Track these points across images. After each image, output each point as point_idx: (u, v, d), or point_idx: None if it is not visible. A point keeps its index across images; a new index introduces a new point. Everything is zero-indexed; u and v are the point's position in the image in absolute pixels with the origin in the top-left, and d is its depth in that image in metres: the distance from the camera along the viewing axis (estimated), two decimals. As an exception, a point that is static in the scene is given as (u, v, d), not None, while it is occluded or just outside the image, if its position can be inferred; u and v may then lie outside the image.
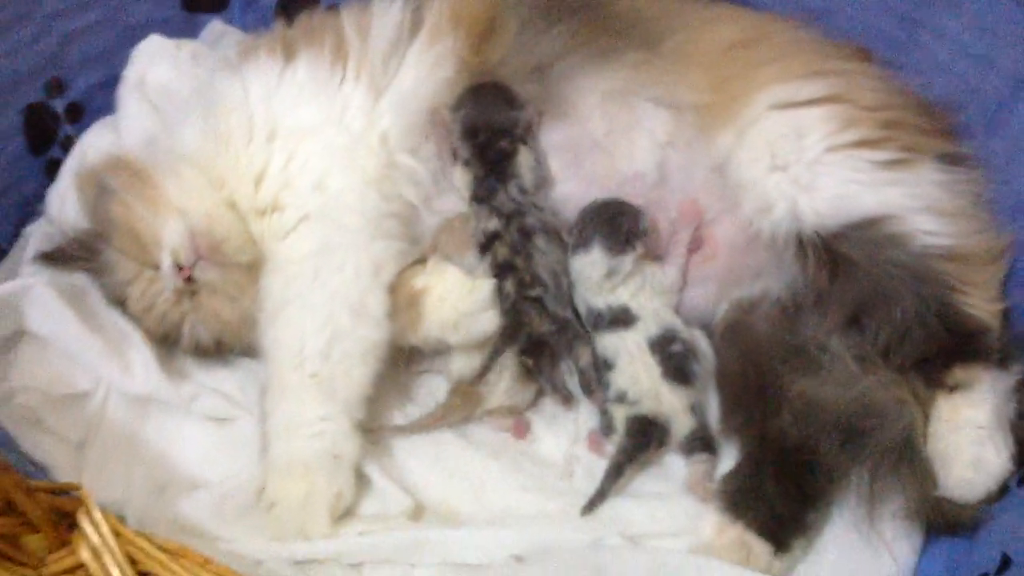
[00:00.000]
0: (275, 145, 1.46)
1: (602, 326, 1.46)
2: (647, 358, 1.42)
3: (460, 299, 1.42)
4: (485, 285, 1.42)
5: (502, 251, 1.46)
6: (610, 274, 1.45)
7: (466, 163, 1.51)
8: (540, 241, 1.46)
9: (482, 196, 1.49)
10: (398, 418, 1.46)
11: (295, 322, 1.37)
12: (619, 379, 1.42)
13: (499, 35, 1.52)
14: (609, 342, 1.45)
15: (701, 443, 1.41)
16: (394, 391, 1.46)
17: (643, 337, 1.43)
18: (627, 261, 1.45)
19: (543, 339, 1.42)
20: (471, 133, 1.51)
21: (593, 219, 1.47)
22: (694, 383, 1.42)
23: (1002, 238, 1.42)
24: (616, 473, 1.37)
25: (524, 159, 1.50)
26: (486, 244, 1.48)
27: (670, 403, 1.39)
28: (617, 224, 1.45)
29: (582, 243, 1.46)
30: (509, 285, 1.45)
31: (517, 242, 1.46)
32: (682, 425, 1.40)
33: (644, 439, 1.39)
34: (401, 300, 1.40)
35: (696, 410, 1.41)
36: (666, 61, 1.49)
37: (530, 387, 1.46)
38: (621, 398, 1.41)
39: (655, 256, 1.51)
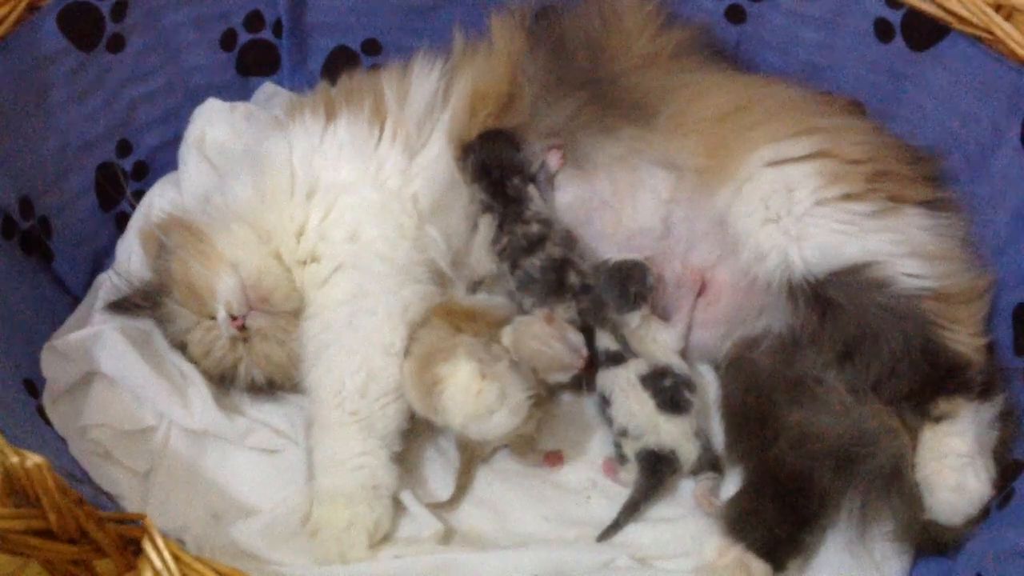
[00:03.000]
0: (314, 201, 1.54)
1: (599, 364, 1.55)
2: (639, 392, 1.50)
3: (466, 401, 1.37)
4: (492, 389, 1.37)
5: (555, 250, 1.56)
6: (617, 328, 1.56)
7: (486, 206, 1.59)
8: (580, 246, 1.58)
9: (511, 218, 1.58)
10: (429, 448, 1.55)
11: (334, 364, 1.46)
12: (617, 414, 1.51)
13: (516, 107, 1.61)
14: (604, 379, 1.54)
15: (708, 464, 1.49)
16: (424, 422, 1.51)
17: (633, 373, 1.51)
18: (635, 318, 1.55)
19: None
20: (484, 172, 1.59)
21: (605, 281, 1.56)
22: (689, 410, 1.49)
23: (985, 277, 1.48)
24: (633, 508, 1.46)
25: (532, 192, 1.59)
26: (530, 247, 1.56)
27: (670, 432, 1.47)
28: (626, 287, 1.54)
29: None
30: (572, 276, 1.55)
31: (566, 238, 1.57)
32: (688, 451, 1.47)
33: (656, 476, 1.47)
34: (425, 383, 1.42)
35: (700, 435, 1.49)
36: (661, 134, 1.56)
37: (529, 419, 1.48)
38: (623, 433, 1.49)
39: (660, 312, 1.59)
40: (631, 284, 1.54)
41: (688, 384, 1.53)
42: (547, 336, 1.49)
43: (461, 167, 1.61)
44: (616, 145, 1.58)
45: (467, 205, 1.63)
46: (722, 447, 1.54)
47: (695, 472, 1.50)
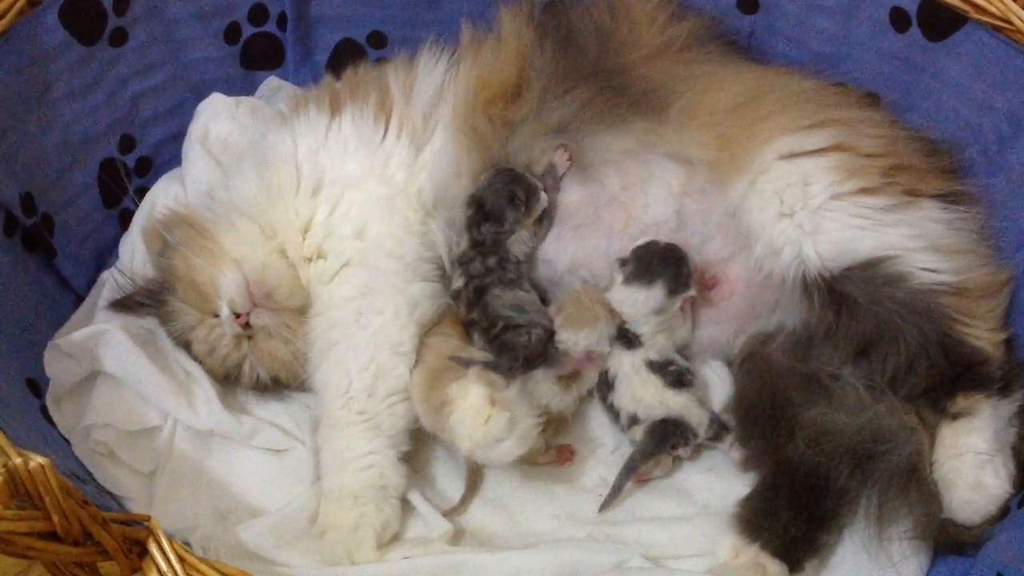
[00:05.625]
0: (320, 196, 1.54)
1: None
2: (644, 376, 1.50)
3: (475, 428, 1.35)
4: (501, 418, 1.34)
5: (461, 309, 1.53)
6: (660, 311, 1.53)
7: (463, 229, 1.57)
8: (495, 290, 1.52)
9: (463, 262, 1.55)
10: (438, 448, 1.53)
11: (341, 363, 1.45)
12: (621, 401, 1.51)
13: (524, 97, 1.58)
14: (611, 360, 1.53)
15: (722, 426, 1.50)
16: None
17: (640, 359, 1.51)
18: (678, 301, 1.53)
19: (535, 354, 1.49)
20: (469, 203, 1.57)
21: (660, 260, 1.53)
22: (694, 385, 1.50)
23: (1004, 271, 1.47)
24: (631, 470, 1.46)
25: (518, 238, 1.56)
26: (454, 298, 1.55)
27: (678, 402, 1.48)
28: (681, 269, 1.52)
29: (645, 279, 1.52)
30: (477, 338, 1.52)
31: (472, 299, 1.52)
32: (698, 417, 1.48)
33: (661, 437, 1.47)
34: (434, 402, 1.42)
35: (704, 403, 1.50)
36: (672, 127, 1.54)
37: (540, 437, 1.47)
38: (633, 421, 1.49)
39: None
40: (684, 267, 1.53)
41: (691, 372, 1.54)
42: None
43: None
44: (625, 139, 1.56)
45: (467, 203, 1.61)
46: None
47: (718, 439, 1.51)
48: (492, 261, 1.54)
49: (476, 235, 1.55)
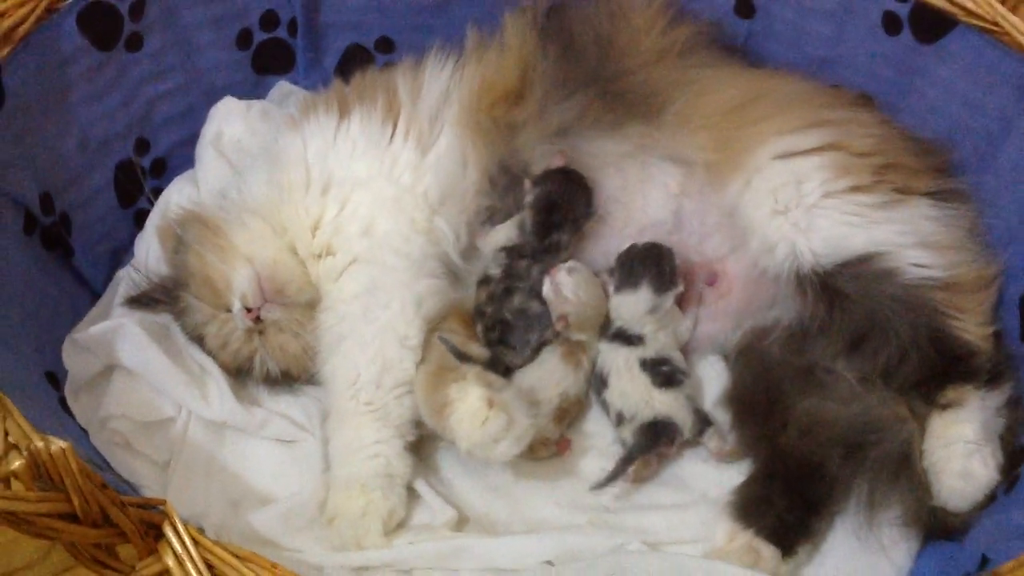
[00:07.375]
0: (329, 196, 1.56)
1: (606, 335, 1.58)
2: (635, 373, 1.52)
3: (473, 430, 1.39)
4: (498, 419, 1.38)
5: (481, 296, 1.58)
6: (653, 310, 1.55)
7: (521, 228, 1.60)
8: (517, 297, 1.57)
9: (516, 254, 1.59)
10: (443, 440, 1.53)
11: (349, 356, 1.48)
12: (611, 397, 1.54)
13: (526, 101, 1.61)
14: (607, 357, 1.56)
15: (705, 422, 1.52)
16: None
17: (636, 356, 1.54)
18: (670, 298, 1.56)
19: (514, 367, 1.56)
20: (548, 209, 1.57)
21: (641, 262, 1.56)
22: (682, 384, 1.53)
23: (993, 266, 1.50)
24: (628, 462, 1.48)
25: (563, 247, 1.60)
26: (481, 282, 1.60)
27: (664, 403, 1.50)
28: (662, 266, 1.55)
29: (630, 283, 1.56)
30: (480, 329, 1.58)
31: (498, 295, 1.57)
32: (684, 418, 1.50)
33: (652, 436, 1.49)
34: (435, 403, 1.45)
35: (690, 400, 1.52)
36: (669, 130, 1.57)
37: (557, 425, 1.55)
38: (620, 420, 1.52)
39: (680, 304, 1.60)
40: (666, 263, 1.55)
41: (684, 372, 1.56)
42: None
43: (529, 188, 1.60)
44: (624, 143, 1.60)
45: (473, 197, 1.64)
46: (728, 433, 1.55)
47: (696, 434, 1.53)
48: (536, 270, 1.58)
49: (551, 239, 1.58)
